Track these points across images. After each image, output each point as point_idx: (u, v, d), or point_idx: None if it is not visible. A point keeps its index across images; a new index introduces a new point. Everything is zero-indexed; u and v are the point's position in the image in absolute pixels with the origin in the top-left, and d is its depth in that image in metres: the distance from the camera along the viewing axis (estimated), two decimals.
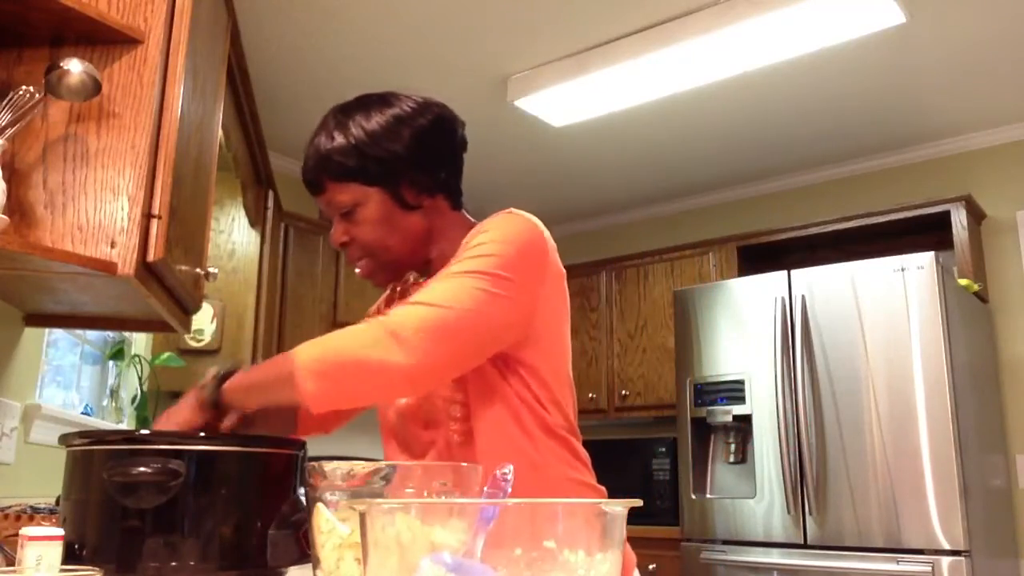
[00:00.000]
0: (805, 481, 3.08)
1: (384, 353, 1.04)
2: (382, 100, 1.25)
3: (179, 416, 1.17)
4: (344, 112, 1.25)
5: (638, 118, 3.62)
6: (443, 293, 1.09)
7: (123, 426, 2.71)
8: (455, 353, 1.09)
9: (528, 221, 1.21)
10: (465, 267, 1.13)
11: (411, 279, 1.35)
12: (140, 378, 2.77)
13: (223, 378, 1.16)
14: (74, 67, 1.29)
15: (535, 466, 1.17)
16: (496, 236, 1.17)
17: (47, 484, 1.82)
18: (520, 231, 1.19)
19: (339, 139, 1.22)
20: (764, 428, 3.21)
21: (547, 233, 1.24)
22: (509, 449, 1.15)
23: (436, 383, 1.15)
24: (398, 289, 1.39)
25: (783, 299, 3.24)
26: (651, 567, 3.56)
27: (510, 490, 0.81)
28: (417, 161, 1.22)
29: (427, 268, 1.29)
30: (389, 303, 1.39)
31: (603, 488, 1.27)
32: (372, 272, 1.27)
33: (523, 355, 1.18)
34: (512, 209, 1.25)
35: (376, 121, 1.22)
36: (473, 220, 1.31)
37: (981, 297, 3.58)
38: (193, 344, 3.07)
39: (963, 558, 2.75)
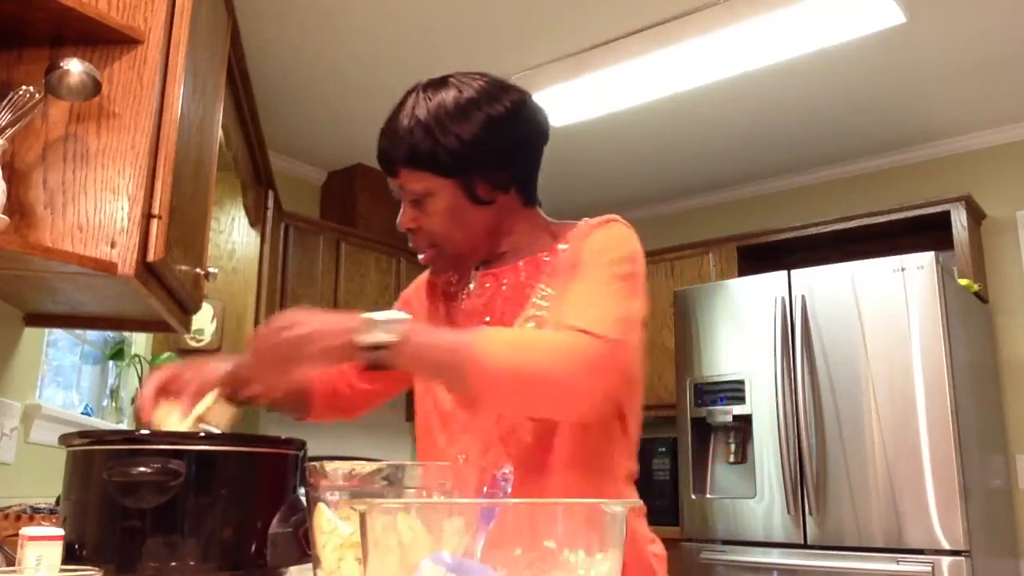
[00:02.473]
0: (805, 481, 3.08)
1: (577, 380, 1.01)
2: (460, 83, 1.18)
3: (322, 348, 1.03)
4: (425, 92, 1.18)
5: (638, 118, 3.62)
6: (619, 327, 1.04)
7: (123, 426, 2.71)
8: (620, 387, 1.08)
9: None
10: (625, 303, 1.10)
11: (475, 277, 1.27)
12: (140, 378, 2.77)
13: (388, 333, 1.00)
14: (74, 67, 1.29)
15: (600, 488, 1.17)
16: (626, 255, 1.18)
17: (47, 484, 1.82)
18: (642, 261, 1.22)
19: (414, 122, 1.15)
20: (764, 428, 3.21)
21: None
22: (587, 467, 1.16)
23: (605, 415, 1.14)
24: (454, 279, 1.32)
25: (783, 299, 3.24)
26: None
27: (510, 490, 0.81)
28: (492, 153, 1.17)
29: (494, 261, 1.26)
30: (445, 292, 1.33)
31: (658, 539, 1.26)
32: (435, 261, 1.25)
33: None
34: (615, 217, 1.24)
35: (451, 107, 1.15)
36: (548, 218, 1.28)
37: (981, 297, 3.58)
38: (193, 344, 3.07)
39: (963, 558, 2.75)
